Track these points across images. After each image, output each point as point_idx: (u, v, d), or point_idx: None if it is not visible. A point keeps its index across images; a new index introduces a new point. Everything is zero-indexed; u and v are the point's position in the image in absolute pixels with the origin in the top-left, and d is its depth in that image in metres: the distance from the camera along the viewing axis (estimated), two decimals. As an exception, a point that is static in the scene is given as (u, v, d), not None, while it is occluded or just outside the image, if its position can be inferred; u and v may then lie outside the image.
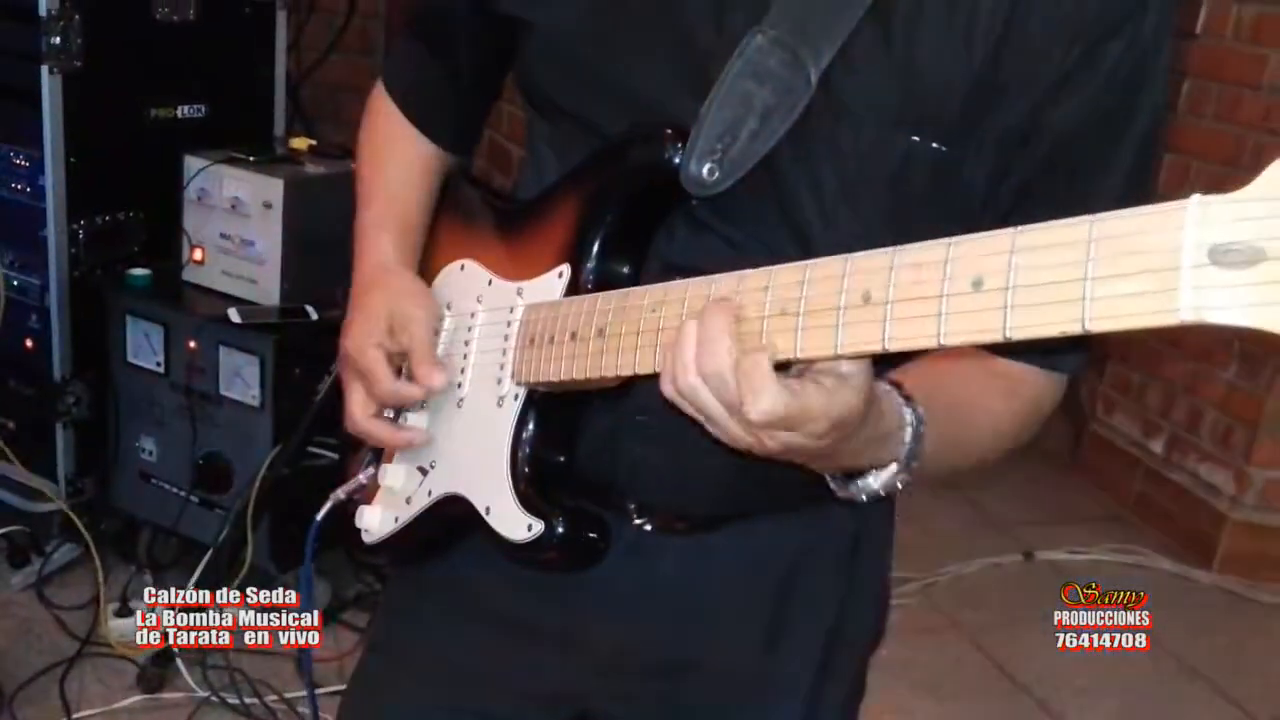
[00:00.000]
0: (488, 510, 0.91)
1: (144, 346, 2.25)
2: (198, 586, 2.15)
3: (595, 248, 0.88)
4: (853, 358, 0.66)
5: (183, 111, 2.39)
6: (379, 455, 1.06)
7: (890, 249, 0.63)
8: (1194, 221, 0.50)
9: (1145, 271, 0.52)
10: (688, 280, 0.75)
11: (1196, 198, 0.51)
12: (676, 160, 0.82)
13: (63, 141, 2.18)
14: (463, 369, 0.97)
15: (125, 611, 2.26)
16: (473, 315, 0.98)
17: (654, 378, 0.75)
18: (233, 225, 2.21)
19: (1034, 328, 0.56)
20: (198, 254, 2.26)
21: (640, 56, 0.88)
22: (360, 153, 1.12)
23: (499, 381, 0.93)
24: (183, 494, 2.27)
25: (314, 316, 2.20)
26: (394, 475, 1.01)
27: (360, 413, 1.00)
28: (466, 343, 0.98)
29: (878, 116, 0.82)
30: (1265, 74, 3.01)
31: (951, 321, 0.59)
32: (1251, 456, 3.05)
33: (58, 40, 2.13)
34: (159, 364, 2.24)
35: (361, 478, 1.06)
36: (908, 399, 0.76)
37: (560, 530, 0.87)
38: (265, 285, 2.21)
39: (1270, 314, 0.48)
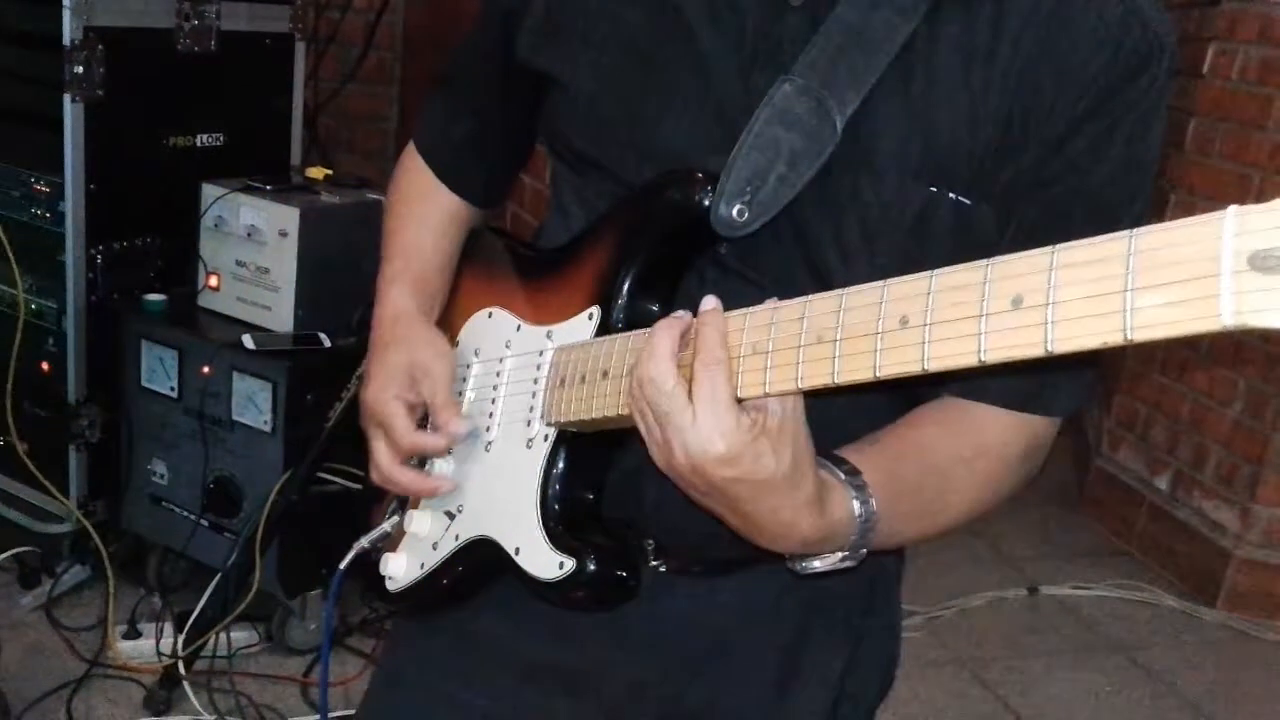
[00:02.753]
0: (517, 551, 0.92)
1: (158, 371, 2.27)
2: (206, 609, 2.18)
3: (625, 288, 0.90)
4: (892, 377, 0.67)
5: (201, 140, 2.43)
6: (404, 502, 1.06)
7: (928, 273, 0.65)
8: (1231, 230, 0.52)
9: (1186, 280, 0.53)
10: (721, 316, 0.77)
11: (1234, 208, 0.53)
12: (707, 202, 0.85)
13: (84, 168, 2.22)
14: (490, 414, 0.98)
15: (134, 633, 2.27)
16: (501, 360, 0.99)
17: None
18: (248, 252, 2.24)
19: (1077, 339, 0.57)
20: (213, 280, 2.29)
21: (667, 111, 0.90)
22: (387, 209, 1.14)
23: (528, 424, 0.94)
24: (193, 517, 2.29)
25: (327, 344, 2.22)
26: (420, 521, 1.01)
27: (386, 462, 1.01)
28: (494, 387, 0.99)
29: (899, 166, 0.84)
30: (1271, 115, 3.03)
31: (991, 339, 0.61)
32: (1256, 494, 3.05)
33: (80, 70, 2.17)
34: (172, 388, 2.26)
35: (386, 526, 1.06)
36: (860, 489, 0.79)
37: (592, 568, 0.88)
38: (279, 312, 2.24)
39: None
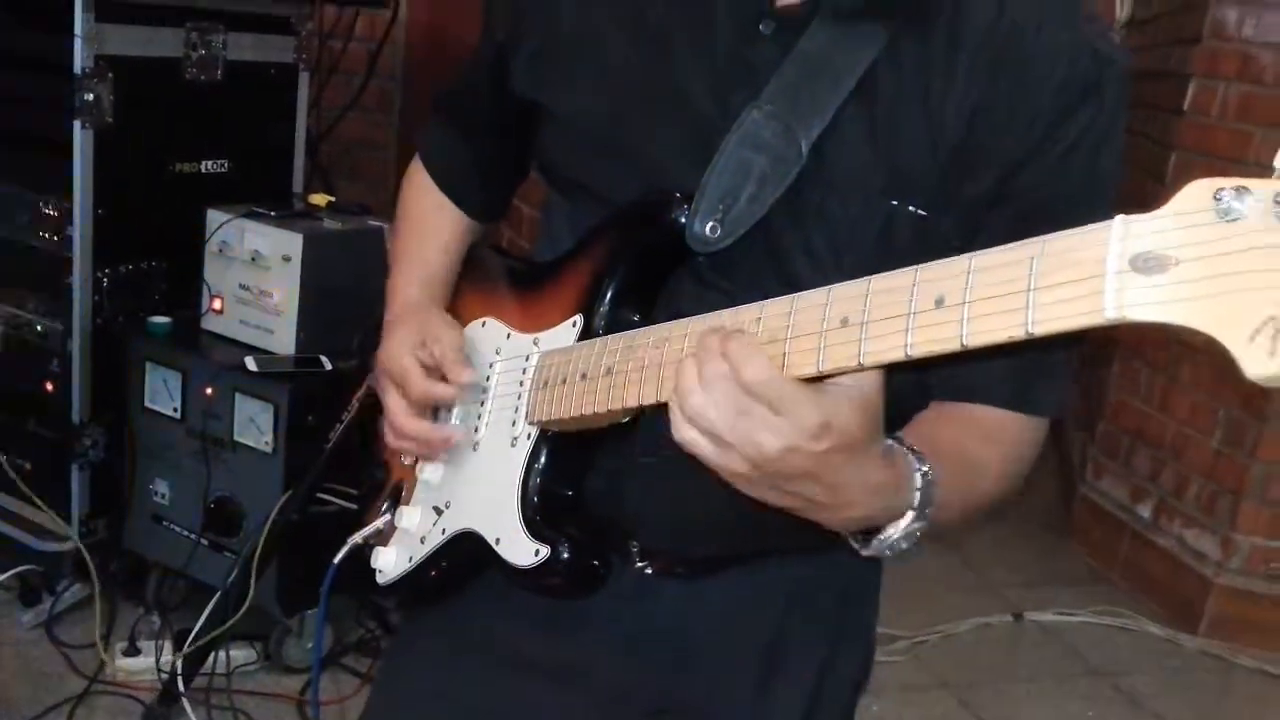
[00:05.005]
0: (498, 541, 0.99)
1: (161, 392, 2.32)
2: (205, 628, 2.21)
3: (607, 297, 0.97)
4: (835, 374, 0.73)
5: (206, 167, 2.48)
6: (395, 501, 1.13)
7: (866, 278, 0.71)
8: (1118, 236, 0.59)
9: (1078, 280, 0.60)
10: (689, 318, 0.83)
11: (1121, 216, 0.60)
12: (683, 219, 0.92)
13: (92, 193, 2.27)
14: (480, 415, 1.05)
15: (133, 651, 2.31)
16: (491, 366, 1.06)
17: (659, 409, 0.82)
18: (252, 277, 2.29)
19: (986, 334, 0.64)
20: (217, 304, 2.34)
21: (649, 134, 0.97)
22: (398, 218, 1.22)
23: (514, 424, 1.01)
24: (193, 537, 2.32)
25: (328, 367, 2.27)
26: (410, 517, 1.09)
27: (401, 413, 1.07)
28: (485, 390, 1.06)
29: (862, 185, 0.91)
30: (1250, 150, 3.11)
31: (917, 335, 0.67)
32: (1236, 523, 3.11)
33: (90, 97, 2.22)
34: (175, 409, 2.30)
35: (379, 523, 1.13)
36: (912, 449, 0.82)
37: (565, 556, 0.94)
38: (281, 335, 2.28)
39: (1177, 310, 0.57)
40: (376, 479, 1.18)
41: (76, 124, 2.23)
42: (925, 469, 0.81)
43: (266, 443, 2.23)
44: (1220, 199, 0.55)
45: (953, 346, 0.65)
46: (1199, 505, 3.24)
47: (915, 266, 0.68)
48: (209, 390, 2.26)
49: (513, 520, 0.97)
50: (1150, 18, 4.30)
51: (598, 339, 0.94)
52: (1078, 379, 3.52)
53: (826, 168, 0.90)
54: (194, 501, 2.32)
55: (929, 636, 2.91)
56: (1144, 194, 3.79)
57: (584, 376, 0.92)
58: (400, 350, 1.08)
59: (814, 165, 0.90)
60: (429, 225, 1.19)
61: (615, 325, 0.95)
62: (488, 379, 1.06)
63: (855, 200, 0.91)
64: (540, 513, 0.97)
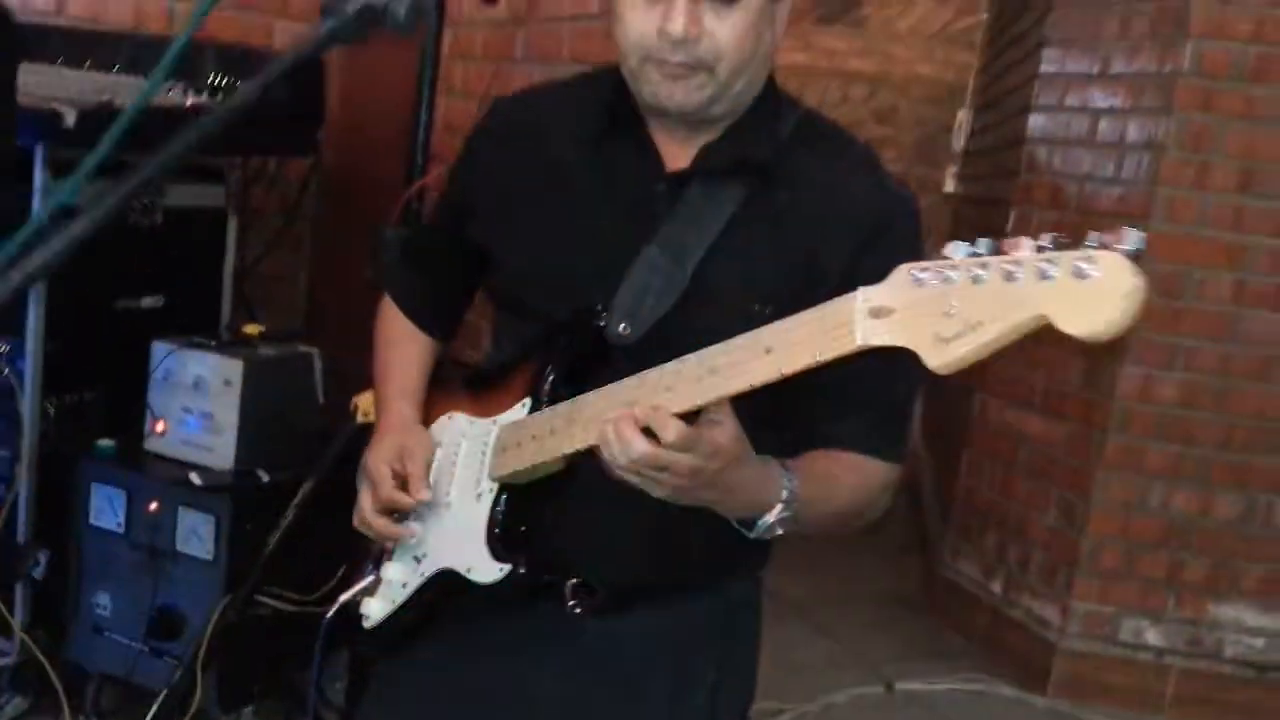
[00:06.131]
0: (469, 570, 1.29)
1: (106, 510, 2.51)
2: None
3: (548, 384, 1.29)
4: (713, 404, 1.09)
5: (145, 302, 2.73)
6: (378, 565, 1.41)
7: (707, 353, 1.09)
8: (861, 299, 0.98)
9: (843, 324, 0.99)
10: (608, 385, 1.18)
11: (862, 289, 0.99)
12: (603, 323, 1.26)
13: (43, 331, 2.49)
14: (450, 483, 1.36)
15: (76, 756, 2.45)
16: (458, 446, 1.37)
17: (589, 454, 1.16)
18: (194, 400, 2.53)
19: (794, 364, 1.02)
20: (159, 426, 2.56)
21: (574, 266, 1.33)
22: (376, 342, 1.55)
23: (478, 483, 1.32)
24: (136, 644, 2.50)
25: (265, 479, 2.51)
26: (393, 569, 1.38)
27: (368, 509, 1.38)
28: (453, 463, 1.37)
29: (729, 296, 1.27)
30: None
31: (747, 374, 1.06)
32: (1073, 591, 3.51)
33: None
34: (119, 524, 2.50)
35: (363, 583, 1.41)
36: (784, 466, 1.17)
37: (522, 570, 1.25)
38: (221, 452, 2.52)
39: (892, 336, 0.95)
40: (363, 552, 1.47)
41: (32, 268, 2.45)
42: (791, 476, 1.17)
43: (208, 551, 2.44)
44: (914, 275, 0.94)
45: (771, 377, 1.04)
46: (1040, 577, 3.64)
47: (748, 335, 1.07)
48: (153, 505, 2.47)
49: (481, 550, 1.28)
50: (978, 151, 4.90)
51: (543, 411, 1.26)
52: (935, 472, 3.99)
53: (704, 285, 1.26)
54: (136, 611, 2.50)
55: (811, 708, 3.21)
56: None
57: (534, 438, 1.25)
58: (380, 459, 1.39)
59: (695, 283, 1.26)
60: (403, 347, 1.52)
61: (555, 402, 1.27)
62: (456, 456, 1.37)
63: (724, 307, 1.25)
64: (501, 541, 1.28)
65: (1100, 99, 3.49)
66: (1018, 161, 3.80)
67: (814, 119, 1.38)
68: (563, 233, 1.35)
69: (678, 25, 1.21)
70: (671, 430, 1.08)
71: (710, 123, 1.31)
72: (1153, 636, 3.48)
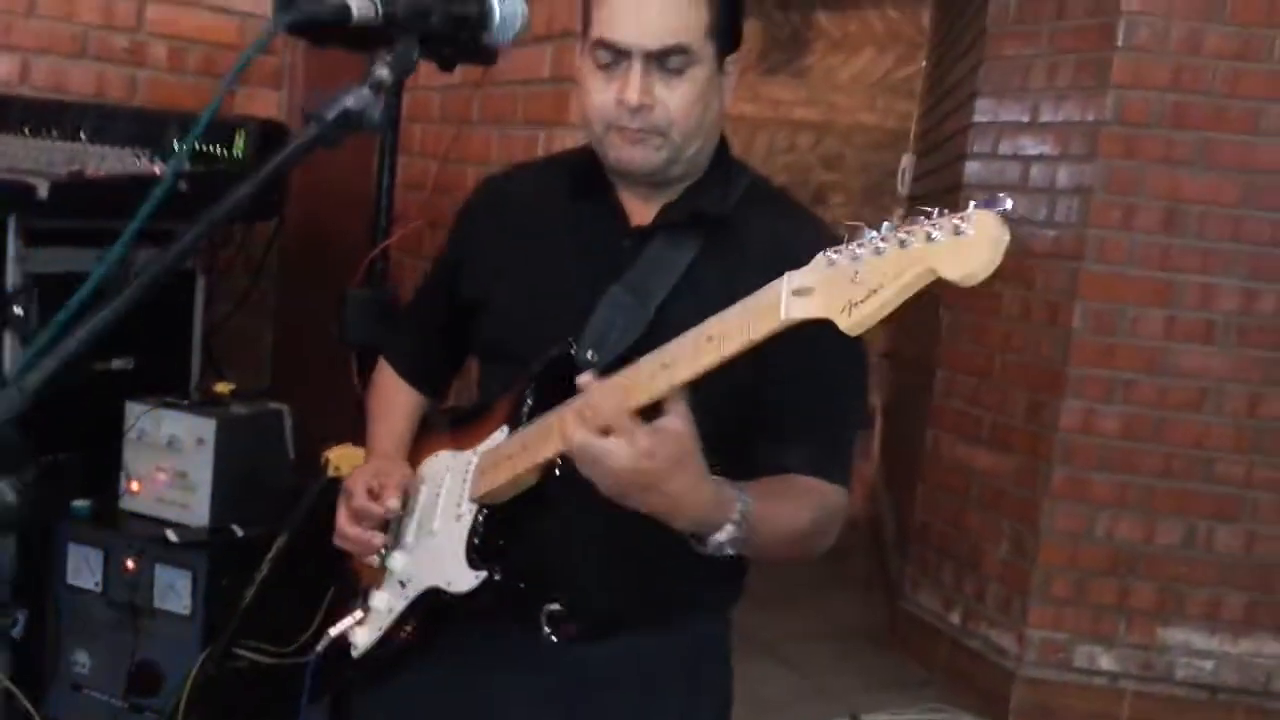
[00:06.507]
0: (449, 583, 1.39)
1: (83, 569, 2.56)
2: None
3: (526, 409, 1.40)
4: (667, 396, 1.19)
5: (116, 364, 2.79)
6: (365, 598, 1.51)
7: (657, 352, 1.20)
8: (786, 282, 1.10)
9: (772, 304, 1.11)
10: (575, 397, 1.27)
11: (788, 273, 1.10)
12: (573, 351, 1.38)
13: (18, 394, 2.54)
14: (435, 514, 1.46)
15: (57, 816, 2.48)
16: (442, 480, 1.48)
17: (560, 464, 1.27)
18: (168, 459, 2.59)
19: (734, 345, 1.13)
20: (135, 485, 2.62)
21: (550, 310, 1.46)
22: (371, 393, 1.70)
23: (459, 505, 1.43)
24: (115, 701, 2.54)
25: (240, 534, 2.58)
26: (379, 599, 1.48)
27: (342, 519, 1.50)
28: (438, 495, 1.48)
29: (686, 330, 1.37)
30: (1001, 308, 3.77)
31: (700, 362, 1.17)
32: (1028, 620, 3.63)
33: (19, 310, 2.53)
34: (97, 583, 2.55)
35: (349, 619, 1.50)
36: (739, 488, 1.26)
37: (497, 578, 1.36)
38: (196, 509, 2.58)
39: (812, 309, 1.07)
40: (349, 591, 1.55)
41: (7, 335, 2.53)
42: (745, 498, 1.25)
43: (185, 606, 2.50)
44: (830, 257, 1.07)
45: (716, 360, 1.15)
46: (997, 607, 3.75)
47: (697, 329, 1.18)
48: (130, 563, 2.52)
49: (460, 564, 1.38)
50: (923, 195, 5.08)
51: (517, 433, 1.38)
52: (894, 508, 4.12)
53: (664, 320, 1.37)
54: (113, 668, 2.55)
55: (780, 741, 3.29)
56: (930, 348, 4.45)
57: (508, 457, 1.37)
58: (358, 476, 1.52)
59: (657, 319, 1.39)
60: (394, 399, 1.67)
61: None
62: (440, 486, 1.48)
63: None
64: (478, 551, 1.38)
65: (1031, 146, 3.67)
66: (956, 206, 3.95)
67: (764, 184, 1.54)
68: (538, 282, 1.50)
69: (632, 95, 1.37)
70: (603, 415, 1.18)
71: (670, 184, 1.47)
72: (1106, 661, 3.60)
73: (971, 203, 1.00)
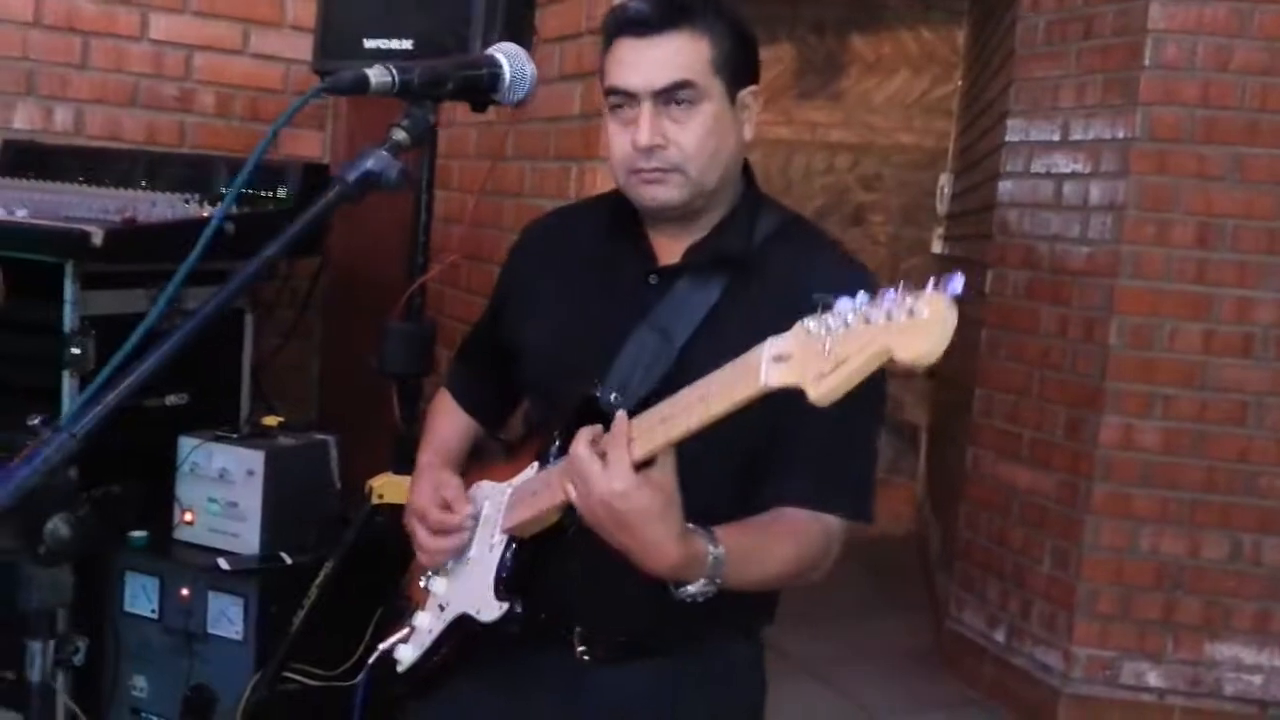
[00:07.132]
0: (478, 611, 1.47)
1: (140, 596, 2.66)
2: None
3: (553, 449, 1.47)
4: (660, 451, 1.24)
5: (169, 400, 2.90)
6: (411, 617, 1.60)
7: (660, 406, 1.26)
8: (768, 348, 1.13)
9: (753, 369, 1.14)
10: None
11: (771, 338, 1.13)
12: (598, 393, 1.43)
13: (77, 430, 2.65)
14: (474, 538, 1.54)
15: (120, 834, 2.57)
16: (482, 509, 1.56)
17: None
18: (219, 491, 2.69)
19: (721, 404, 1.17)
20: (188, 516, 2.72)
21: (579, 349, 1.52)
22: (429, 418, 1.79)
23: (492, 537, 1.50)
24: (170, 724, 2.64)
25: (289, 561, 2.66)
26: (422, 619, 1.57)
27: (424, 537, 1.57)
28: (476, 524, 1.55)
29: (711, 371, 1.42)
30: (1040, 323, 3.78)
31: (684, 420, 1.21)
32: (1074, 637, 3.62)
33: (77, 351, 2.65)
34: (153, 611, 2.65)
35: (397, 635, 1.60)
36: (712, 538, 1.30)
37: (519, 610, 1.43)
38: (247, 538, 2.67)
39: (789, 377, 1.09)
40: (396, 612, 1.64)
41: (65, 374, 2.64)
42: (717, 552, 1.30)
43: (237, 632, 2.59)
44: (808, 326, 1.10)
45: (704, 419, 1.20)
46: (1042, 625, 3.74)
47: (693, 388, 1.23)
48: (185, 591, 2.62)
49: (488, 594, 1.46)
50: (960, 213, 5.09)
51: (545, 469, 1.45)
52: (939, 529, 4.15)
53: (688, 360, 1.43)
54: (170, 692, 2.64)
55: (824, 760, 3.31)
56: (964, 365, 4.46)
57: (533, 493, 1.44)
58: (421, 495, 1.59)
59: (681, 359, 1.44)
60: (452, 418, 1.77)
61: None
62: (478, 518, 1.56)
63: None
64: (505, 584, 1.45)
65: (1063, 164, 3.69)
66: (991, 225, 3.98)
67: (794, 221, 1.58)
68: (570, 321, 1.57)
69: (643, 137, 1.44)
70: (607, 442, 1.25)
71: (697, 220, 1.53)
72: (1154, 678, 3.58)
73: (931, 280, 1.03)
